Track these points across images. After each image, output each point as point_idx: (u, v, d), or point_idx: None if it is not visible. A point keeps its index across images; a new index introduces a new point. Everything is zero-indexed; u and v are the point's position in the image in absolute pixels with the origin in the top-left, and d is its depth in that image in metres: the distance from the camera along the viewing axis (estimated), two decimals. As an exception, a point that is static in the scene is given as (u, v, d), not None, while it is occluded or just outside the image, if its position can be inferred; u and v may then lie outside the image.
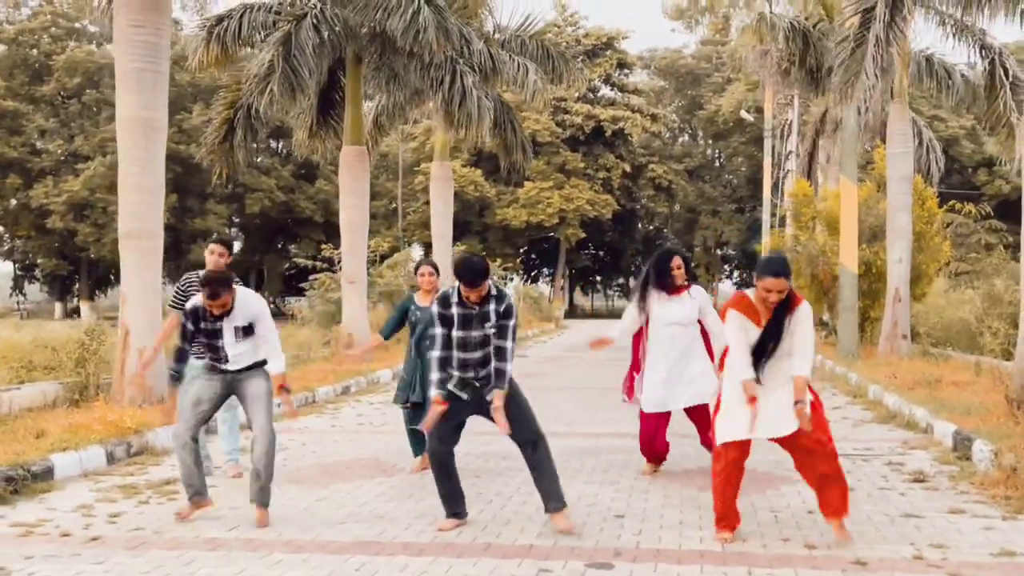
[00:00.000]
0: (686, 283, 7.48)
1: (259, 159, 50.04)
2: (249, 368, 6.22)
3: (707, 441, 7.62)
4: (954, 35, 15.26)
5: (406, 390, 7.84)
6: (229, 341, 6.15)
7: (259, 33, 17.04)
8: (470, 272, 5.64)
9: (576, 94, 47.08)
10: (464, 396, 5.79)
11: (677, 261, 7.47)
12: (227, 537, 5.85)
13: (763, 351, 5.46)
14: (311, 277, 24.77)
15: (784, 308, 5.45)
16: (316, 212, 49.27)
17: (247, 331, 6.18)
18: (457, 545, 5.62)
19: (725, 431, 5.57)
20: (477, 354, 5.76)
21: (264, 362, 6.28)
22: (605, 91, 53.04)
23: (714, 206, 55.44)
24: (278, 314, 43.03)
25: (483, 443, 8.85)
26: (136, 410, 9.35)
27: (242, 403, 6.28)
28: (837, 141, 21.90)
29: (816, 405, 5.55)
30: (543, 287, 58.31)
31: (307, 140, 18.91)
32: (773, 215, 37.52)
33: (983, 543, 5.55)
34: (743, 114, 42.04)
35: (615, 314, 59.43)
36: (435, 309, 5.86)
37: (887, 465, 8.00)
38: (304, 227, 50.46)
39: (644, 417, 7.54)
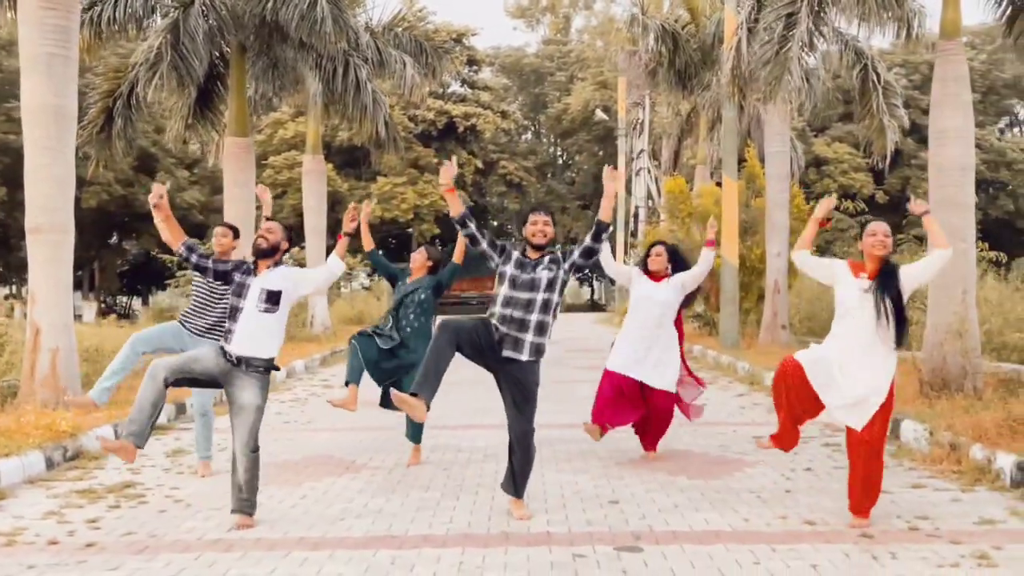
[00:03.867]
0: (667, 271, 7.84)
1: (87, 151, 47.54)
2: (248, 365, 5.91)
3: (653, 437, 8.03)
4: (827, 41, 16.14)
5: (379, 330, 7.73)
6: (251, 304, 5.93)
7: (133, 22, 16.36)
8: (535, 207, 6.21)
9: (427, 89, 47.01)
10: (495, 337, 5.85)
11: (658, 249, 7.95)
12: (232, 538, 5.69)
13: (890, 296, 5.65)
14: (179, 273, 23.78)
15: (890, 263, 5.79)
16: (157, 206, 47.32)
17: (271, 299, 5.95)
18: (477, 535, 5.65)
19: (808, 363, 5.76)
20: (517, 314, 5.84)
21: (267, 369, 6.01)
22: (455, 87, 53.17)
23: (563, 203, 56.45)
24: (110, 312, 41.21)
25: (447, 437, 8.90)
26: (67, 413, 8.87)
27: (230, 407, 5.97)
28: (710, 140, 22.80)
29: (886, 408, 5.79)
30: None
31: (183, 131, 18.24)
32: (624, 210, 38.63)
33: (959, 514, 6.00)
34: (598, 113, 43.02)
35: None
36: (501, 267, 5.96)
37: (826, 447, 8.46)
38: (142, 222, 48.01)
39: (606, 381, 7.77)
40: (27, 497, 6.82)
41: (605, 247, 7.57)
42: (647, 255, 7.88)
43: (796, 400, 5.90)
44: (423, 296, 7.70)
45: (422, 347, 7.56)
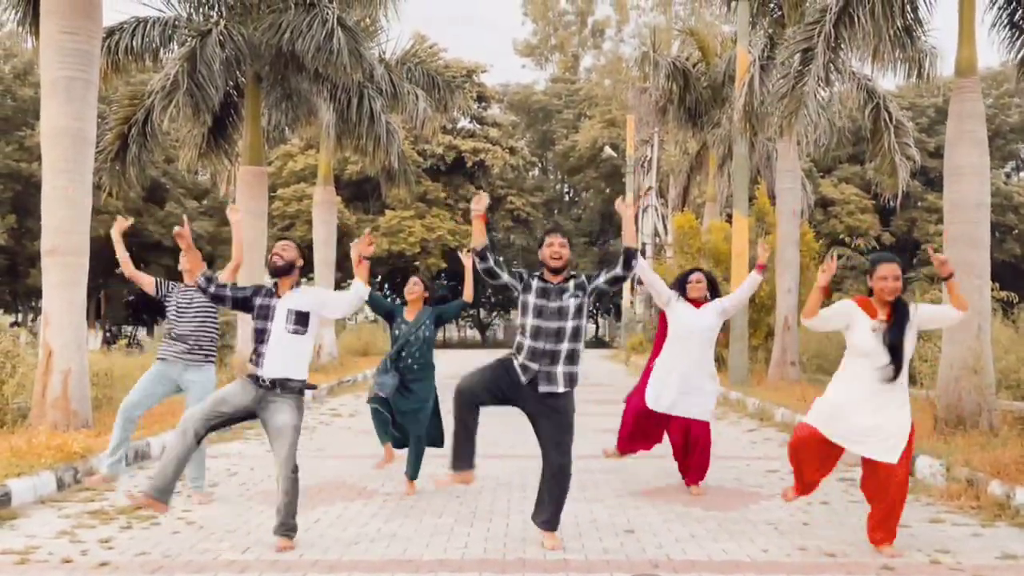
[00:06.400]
0: (706, 298, 7.77)
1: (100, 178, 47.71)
2: (283, 387, 5.87)
3: (694, 471, 7.87)
4: (842, 77, 16.24)
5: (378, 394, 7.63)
6: (279, 326, 5.87)
7: (150, 51, 16.50)
8: (551, 228, 6.13)
9: (439, 123, 47.30)
10: (523, 379, 5.81)
11: (697, 276, 7.84)
12: (248, 559, 5.64)
13: (897, 346, 5.63)
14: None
15: (903, 305, 5.74)
16: (165, 236, 47.52)
17: (300, 320, 5.91)
18: (493, 561, 5.60)
19: (822, 424, 5.78)
20: (548, 346, 5.77)
21: (299, 390, 5.96)
22: (464, 123, 53.49)
23: (569, 239, 56.42)
24: (116, 341, 41.15)
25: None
26: (78, 434, 8.84)
27: (267, 433, 5.95)
28: (720, 176, 22.88)
29: (910, 440, 5.76)
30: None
31: (196, 160, 18.32)
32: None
33: (981, 549, 5.94)
34: (607, 150, 43.20)
35: (468, 344, 59.52)
36: (523, 295, 5.89)
37: (842, 481, 8.38)
38: (151, 252, 48.45)
39: (634, 412, 7.72)
40: (38, 517, 6.79)
41: (641, 260, 7.55)
42: (685, 281, 7.77)
43: (814, 460, 5.95)
44: (427, 334, 7.67)
45: (427, 380, 7.63)
